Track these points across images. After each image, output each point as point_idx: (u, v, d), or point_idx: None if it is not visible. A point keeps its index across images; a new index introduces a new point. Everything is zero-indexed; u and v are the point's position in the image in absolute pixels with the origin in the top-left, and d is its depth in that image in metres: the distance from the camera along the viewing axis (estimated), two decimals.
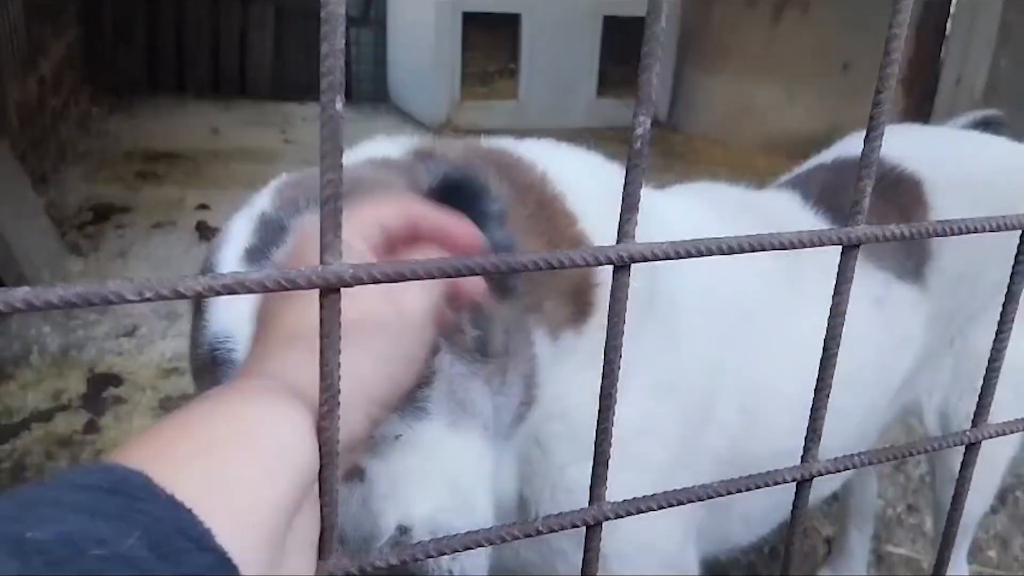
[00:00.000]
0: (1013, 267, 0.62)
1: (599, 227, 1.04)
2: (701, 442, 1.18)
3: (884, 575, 2.28)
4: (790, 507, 1.54)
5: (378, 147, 1.04)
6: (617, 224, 0.49)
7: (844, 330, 1.55)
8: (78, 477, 0.38)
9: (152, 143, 5.30)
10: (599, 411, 0.53)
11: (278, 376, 0.50)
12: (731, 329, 1.19)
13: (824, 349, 0.58)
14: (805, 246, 0.53)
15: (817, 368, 0.60)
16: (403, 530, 0.72)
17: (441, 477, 0.81)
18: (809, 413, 0.59)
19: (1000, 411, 1.85)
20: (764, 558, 2.29)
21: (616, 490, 1.06)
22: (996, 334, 0.63)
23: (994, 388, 0.65)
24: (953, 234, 0.57)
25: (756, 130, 5.81)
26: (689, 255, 0.51)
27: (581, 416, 1.04)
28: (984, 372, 0.63)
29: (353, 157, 1.05)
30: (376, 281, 0.44)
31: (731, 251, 0.52)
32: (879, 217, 1.41)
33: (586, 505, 0.55)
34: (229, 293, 0.41)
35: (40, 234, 3.50)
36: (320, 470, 0.47)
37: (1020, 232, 0.62)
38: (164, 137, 5.45)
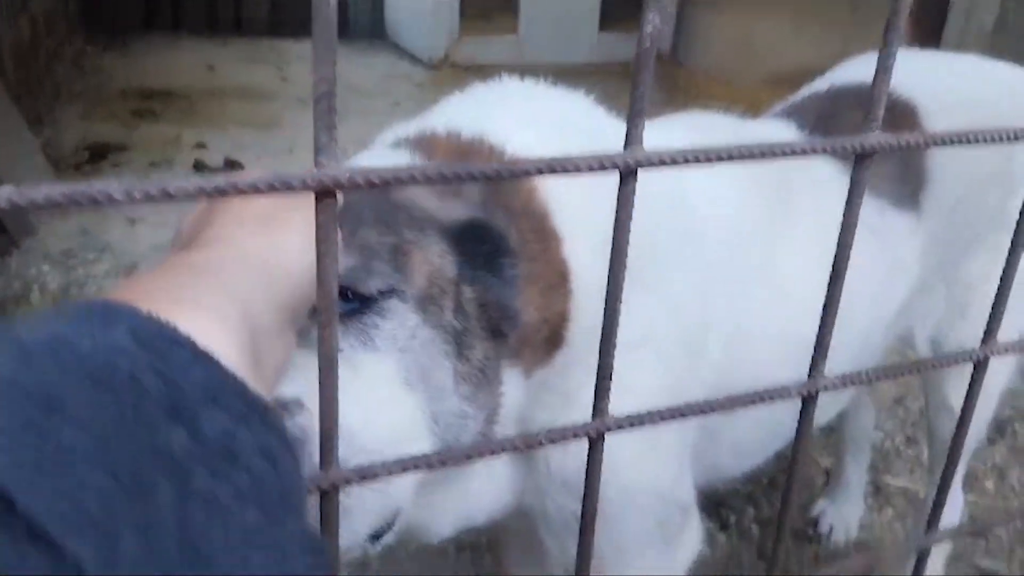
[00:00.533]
0: None
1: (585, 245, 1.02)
2: (694, 377, 1.17)
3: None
4: (779, 438, 1.55)
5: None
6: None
7: None
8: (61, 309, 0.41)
9: (148, 81, 5.21)
10: (604, 323, 0.52)
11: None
12: (718, 266, 1.17)
13: (834, 264, 0.57)
14: (817, 152, 0.51)
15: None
16: (298, 404, 0.73)
17: (372, 414, 0.82)
18: (818, 329, 0.58)
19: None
20: (763, 488, 2.31)
21: (630, 377, 1.06)
22: (1009, 253, 0.61)
23: (1004, 306, 0.64)
24: (965, 144, 0.55)
25: (761, 65, 5.70)
26: (698, 160, 0.49)
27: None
28: (980, 296, 0.63)
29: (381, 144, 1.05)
30: (371, 184, 0.43)
31: (741, 157, 0.50)
32: None
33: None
34: (220, 195, 0.40)
35: (37, 174, 3.46)
36: (320, 378, 0.46)
37: None
38: (160, 75, 5.36)
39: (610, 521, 1.12)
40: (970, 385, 0.67)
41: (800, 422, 0.61)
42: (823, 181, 1.34)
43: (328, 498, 0.49)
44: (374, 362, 0.84)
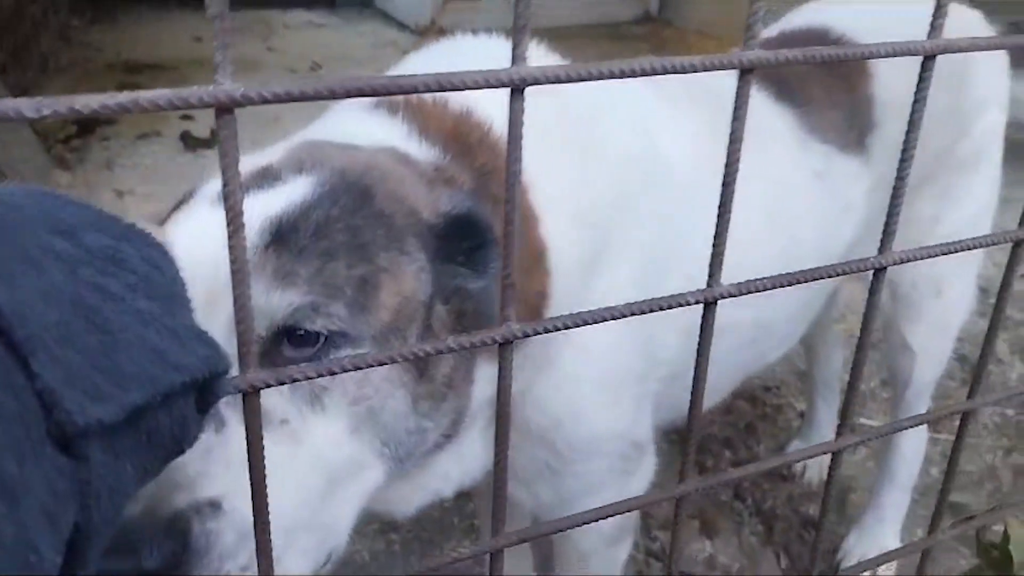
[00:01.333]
0: (915, 93, 0.64)
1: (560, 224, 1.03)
2: (664, 320, 1.22)
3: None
4: (733, 379, 1.60)
5: (379, 131, 1.01)
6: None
7: (785, 203, 1.57)
8: None
9: (134, 54, 5.22)
10: (504, 232, 0.55)
11: None
12: (672, 201, 1.21)
13: (724, 176, 0.60)
14: (698, 71, 0.55)
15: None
16: (213, 506, 0.72)
17: (308, 480, 0.80)
18: (713, 239, 0.62)
19: (945, 278, 1.89)
20: (740, 431, 2.37)
21: (588, 342, 1.10)
22: (900, 161, 0.65)
23: (898, 215, 0.68)
24: (853, 59, 0.59)
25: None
26: (581, 78, 0.53)
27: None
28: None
29: (368, 126, 1.00)
30: (266, 101, 0.46)
31: (623, 75, 0.54)
32: (823, 88, 1.42)
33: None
34: (123, 111, 0.44)
35: (24, 147, 3.49)
36: (234, 287, 0.51)
37: (922, 59, 0.64)
38: (147, 47, 5.37)
39: (578, 461, 1.18)
40: (870, 294, 0.71)
41: (702, 329, 0.66)
42: (768, 130, 1.38)
43: None
44: (321, 427, 0.81)
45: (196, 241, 0.81)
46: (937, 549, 1.96)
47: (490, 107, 1.02)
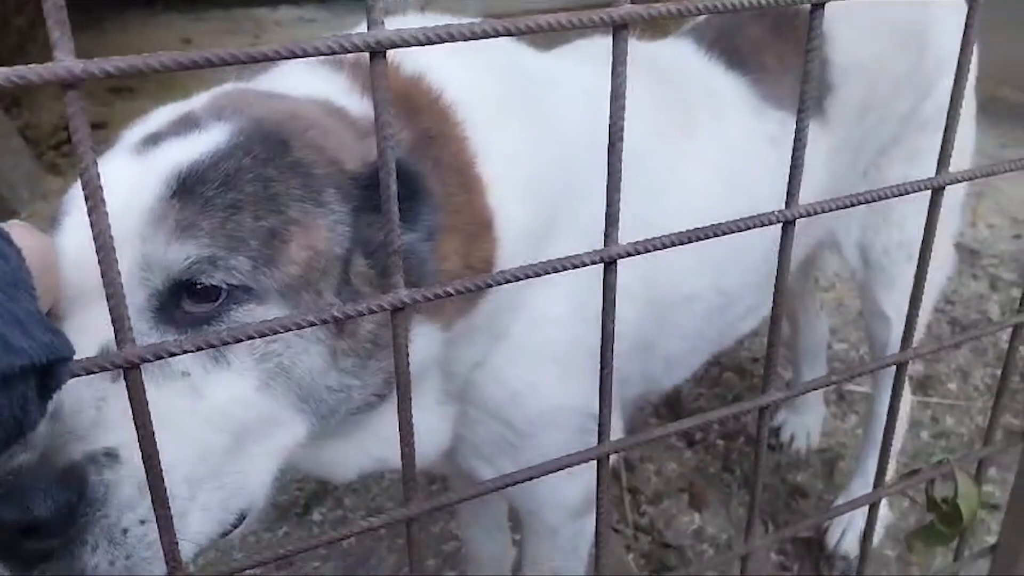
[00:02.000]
0: (806, 45, 0.64)
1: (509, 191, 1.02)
2: (623, 292, 1.22)
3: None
4: (702, 351, 1.60)
5: (324, 82, 1.00)
6: None
7: (741, 170, 1.56)
8: None
9: None
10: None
11: None
12: (628, 183, 1.20)
13: (610, 135, 0.60)
14: (555, 29, 0.55)
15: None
16: (110, 456, 0.70)
17: (209, 435, 0.77)
18: (606, 199, 0.62)
19: (916, 242, 1.89)
20: (727, 404, 2.36)
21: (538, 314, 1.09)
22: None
23: (802, 168, 0.67)
24: (726, 11, 0.59)
25: None
26: (441, 39, 0.53)
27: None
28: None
29: (308, 81, 0.98)
30: (108, 75, 0.47)
31: (484, 35, 0.54)
32: (776, 55, 1.41)
33: None
34: None
35: (14, 154, 3.52)
36: (100, 263, 0.51)
37: (810, 8, 0.64)
38: (135, 51, 5.25)
39: (536, 435, 1.19)
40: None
41: (604, 288, 0.66)
42: (722, 97, 1.37)
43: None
44: (225, 382, 0.78)
45: (107, 182, 0.81)
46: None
47: (444, 74, 1.02)
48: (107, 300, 0.51)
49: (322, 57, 1.01)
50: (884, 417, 1.92)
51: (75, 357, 0.52)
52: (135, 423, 0.55)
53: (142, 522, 0.70)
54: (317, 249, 0.83)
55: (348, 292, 0.86)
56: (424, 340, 0.95)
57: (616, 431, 1.35)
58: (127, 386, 0.54)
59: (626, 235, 1.23)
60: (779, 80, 1.40)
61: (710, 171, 1.31)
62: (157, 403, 0.57)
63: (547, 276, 1.07)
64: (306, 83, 0.99)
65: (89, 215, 0.49)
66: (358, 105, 0.97)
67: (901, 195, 0.74)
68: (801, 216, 0.70)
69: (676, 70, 1.39)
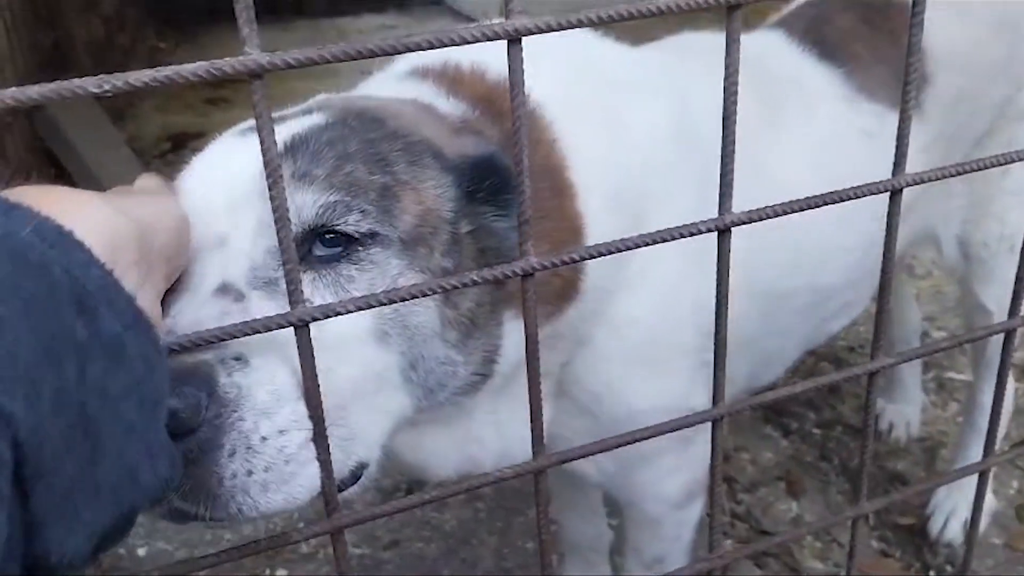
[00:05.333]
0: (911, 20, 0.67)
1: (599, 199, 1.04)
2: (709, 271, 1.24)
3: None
4: (800, 347, 1.58)
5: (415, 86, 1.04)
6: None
7: (834, 163, 1.55)
8: None
9: None
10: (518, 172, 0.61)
11: None
12: (707, 164, 1.21)
13: (724, 107, 0.64)
14: (673, 12, 0.59)
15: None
16: (240, 360, 0.69)
17: (330, 367, 0.73)
18: (720, 168, 0.66)
19: (1017, 234, 1.83)
20: (824, 393, 2.35)
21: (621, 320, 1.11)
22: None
23: (907, 137, 0.70)
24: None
25: None
26: (571, 25, 0.58)
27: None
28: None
29: (396, 88, 1.03)
30: (290, 66, 0.53)
31: (611, 20, 0.59)
32: (869, 45, 1.41)
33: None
34: (171, 83, 0.51)
35: (124, 164, 3.73)
36: (277, 227, 0.58)
37: None
38: None
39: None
40: (888, 216, 0.74)
41: (719, 258, 0.70)
42: (814, 89, 1.38)
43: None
44: (346, 319, 0.78)
45: (223, 156, 0.86)
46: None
47: (528, 81, 1.06)
48: (283, 265, 0.58)
49: (407, 70, 1.08)
50: (985, 405, 1.91)
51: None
52: (303, 375, 0.62)
53: (281, 432, 0.68)
54: (427, 206, 0.86)
55: (453, 258, 0.88)
56: (514, 335, 0.96)
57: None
58: (297, 343, 0.61)
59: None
60: (872, 70, 1.40)
61: (802, 162, 1.32)
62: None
63: (626, 282, 1.09)
64: (394, 90, 1.04)
65: (270, 190, 0.56)
66: (446, 104, 1.01)
67: (1009, 163, 0.76)
68: (908, 184, 0.73)
69: (767, 61, 1.40)
